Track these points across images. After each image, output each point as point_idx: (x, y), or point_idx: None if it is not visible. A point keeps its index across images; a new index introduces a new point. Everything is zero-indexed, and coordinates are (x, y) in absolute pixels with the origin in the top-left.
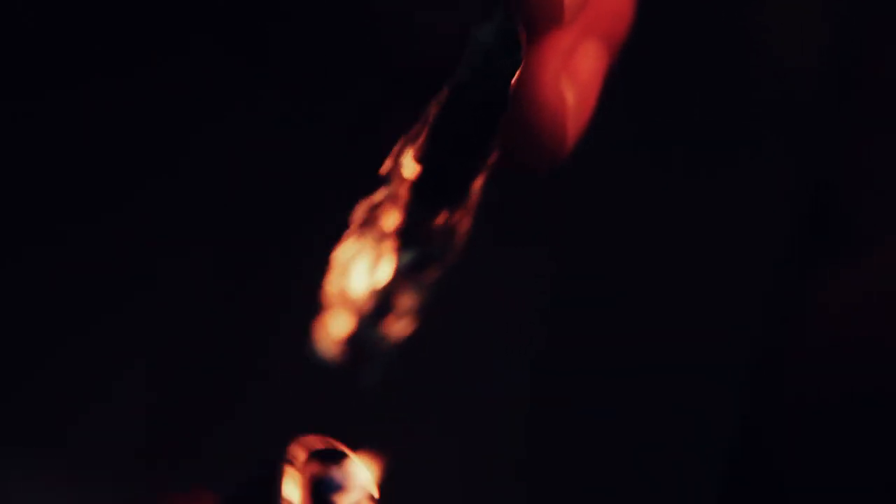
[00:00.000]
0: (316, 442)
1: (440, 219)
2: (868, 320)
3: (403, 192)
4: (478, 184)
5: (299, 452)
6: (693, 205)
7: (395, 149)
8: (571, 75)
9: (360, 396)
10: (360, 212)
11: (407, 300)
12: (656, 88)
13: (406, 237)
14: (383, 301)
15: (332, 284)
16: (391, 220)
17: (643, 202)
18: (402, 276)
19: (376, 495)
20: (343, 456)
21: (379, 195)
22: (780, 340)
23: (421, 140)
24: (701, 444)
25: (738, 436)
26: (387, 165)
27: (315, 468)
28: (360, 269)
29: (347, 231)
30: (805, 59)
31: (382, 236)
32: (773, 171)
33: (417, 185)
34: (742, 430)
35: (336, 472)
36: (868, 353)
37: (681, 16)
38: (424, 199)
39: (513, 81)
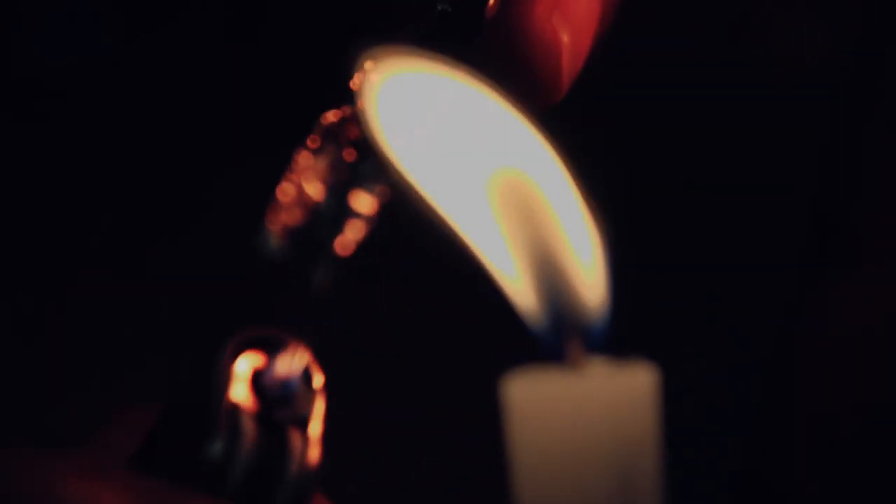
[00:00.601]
0: (255, 332)
1: None
2: (879, 331)
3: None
4: None
5: (238, 346)
6: (701, 210)
7: (367, 64)
8: (565, 14)
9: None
10: (325, 120)
11: (363, 205)
12: (661, 103)
13: (368, 147)
14: (340, 204)
15: (291, 183)
16: (355, 131)
17: (648, 208)
18: (361, 183)
19: (321, 383)
20: (285, 344)
21: (346, 107)
22: (790, 349)
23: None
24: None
25: (746, 449)
26: (357, 80)
27: (256, 361)
28: (320, 171)
29: (311, 135)
30: (816, 64)
31: (345, 144)
32: (781, 181)
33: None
34: (750, 444)
35: (279, 364)
36: (879, 365)
37: (686, 24)
38: None
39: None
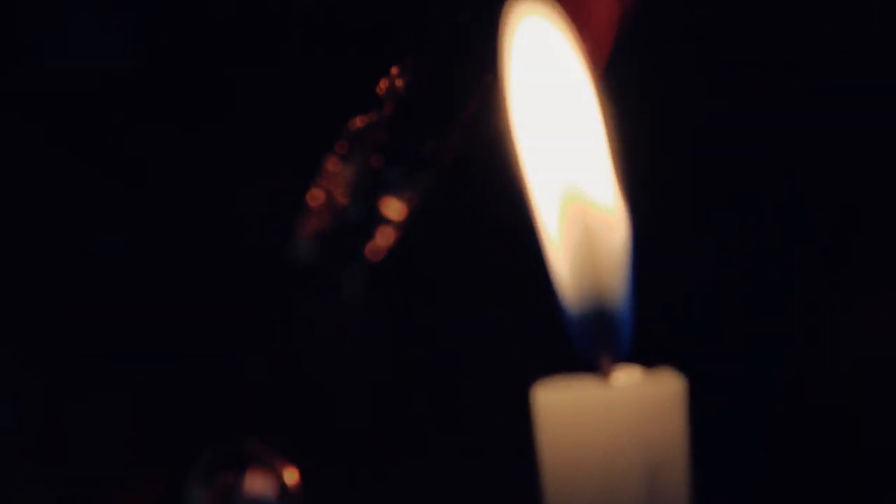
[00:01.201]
0: (235, 449)
1: (431, 140)
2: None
3: (396, 111)
4: (470, 109)
5: (214, 460)
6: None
7: (392, 71)
8: (584, 22)
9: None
10: (354, 126)
11: (392, 211)
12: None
13: (395, 154)
14: (369, 210)
15: (321, 190)
16: (383, 136)
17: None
18: (390, 189)
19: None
20: (261, 462)
21: (374, 113)
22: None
23: (416, 64)
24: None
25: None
26: (383, 86)
27: (227, 478)
28: (351, 178)
29: (341, 142)
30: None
31: (373, 151)
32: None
33: (411, 106)
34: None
35: (247, 484)
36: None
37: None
38: (417, 120)
39: None
